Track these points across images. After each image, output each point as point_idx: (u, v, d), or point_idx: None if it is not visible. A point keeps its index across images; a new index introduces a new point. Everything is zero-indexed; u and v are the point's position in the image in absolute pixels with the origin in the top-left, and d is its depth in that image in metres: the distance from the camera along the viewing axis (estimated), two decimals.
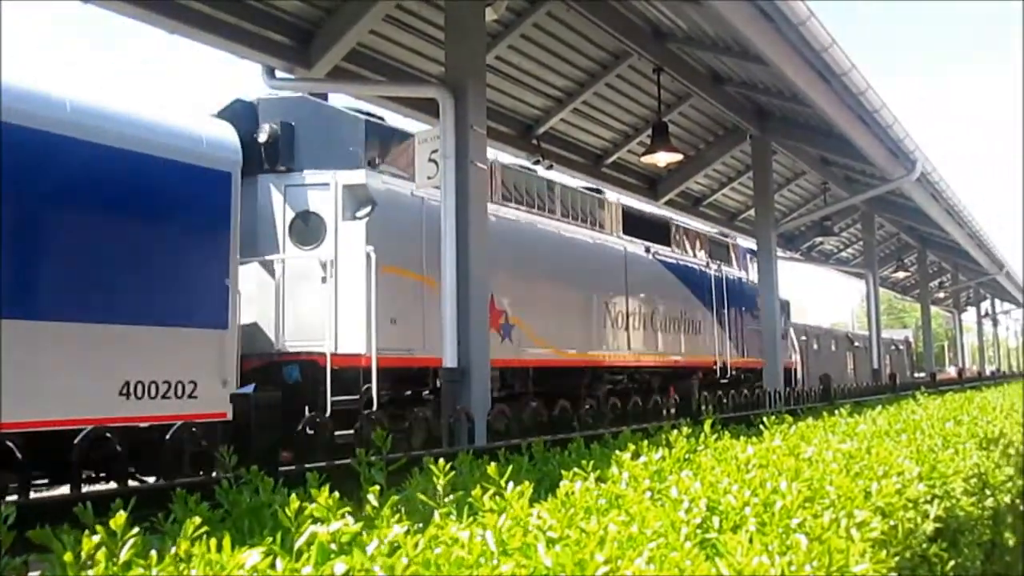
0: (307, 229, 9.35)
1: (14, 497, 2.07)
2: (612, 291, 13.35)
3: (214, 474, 2.08)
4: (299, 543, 1.38)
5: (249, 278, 8.87)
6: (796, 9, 7.42)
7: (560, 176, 13.10)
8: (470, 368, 7.06)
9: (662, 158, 11.56)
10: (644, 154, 11.77)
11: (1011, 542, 4.17)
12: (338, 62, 8.84)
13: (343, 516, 1.48)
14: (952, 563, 2.95)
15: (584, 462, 2.27)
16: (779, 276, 17.96)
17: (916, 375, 31.92)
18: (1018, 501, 4.51)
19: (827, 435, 3.57)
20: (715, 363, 16.06)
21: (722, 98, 12.12)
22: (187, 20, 7.64)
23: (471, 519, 1.68)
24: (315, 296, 9.14)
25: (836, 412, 4.67)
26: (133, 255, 7.18)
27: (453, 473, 1.87)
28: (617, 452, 2.47)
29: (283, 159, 9.42)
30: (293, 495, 1.43)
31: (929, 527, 2.73)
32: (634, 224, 14.42)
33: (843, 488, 2.25)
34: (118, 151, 7.13)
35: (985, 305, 38.29)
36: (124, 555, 1.20)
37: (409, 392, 9.63)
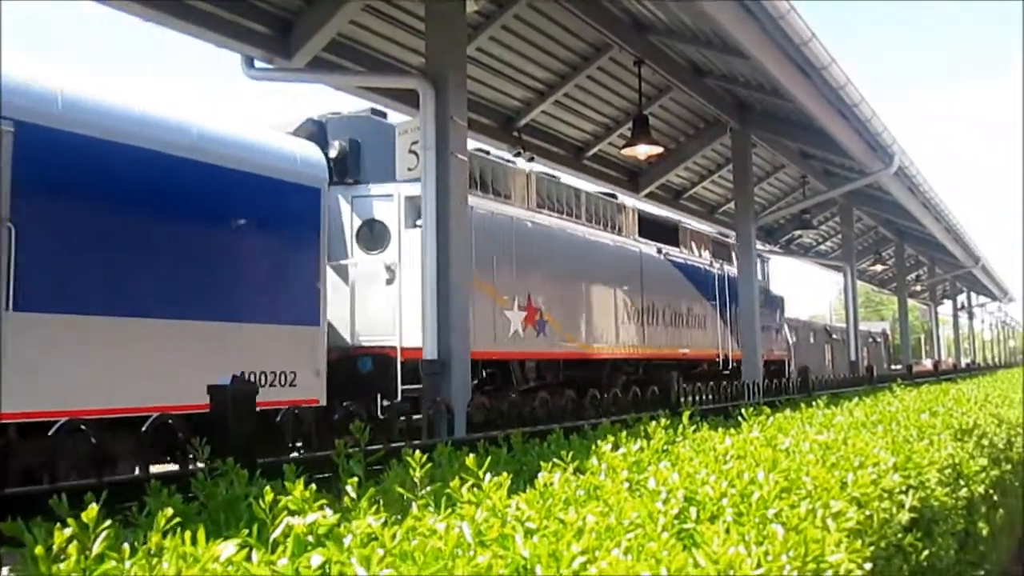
0: (372, 236, 10.35)
1: None
2: (630, 289, 14.38)
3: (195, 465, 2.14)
4: (274, 535, 1.37)
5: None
6: (776, 3, 7.45)
7: (583, 184, 14.14)
8: (450, 360, 7.05)
9: (643, 151, 11.58)
10: (625, 147, 11.79)
11: (985, 532, 4.22)
12: (318, 52, 8.78)
13: (320, 508, 1.47)
14: (926, 552, 2.98)
15: (563, 453, 2.27)
16: (772, 272, 19.70)
17: (893, 367, 32.23)
18: (992, 491, 4.57)
19: (804, 426, 3.59)
20: (718, 355, 16.98)
21: (702, 91, 12.15)
22: (163, 8, 7.56)
23: (449, 511, 1.68)
24: (381, 296, 10.17)
25: (814, 404, 4.70)
26: (248, 263, 8.22)
27: (430, 465, 1.86)
28: (596, 443, 2.47)
29: (351, 173, 10.34)
30: (267, 487, 1.42)
31: (904, 517, 2.75)
32: (648, 227, 15.45)
33: (819, 479, 2.26)
34: (236, 172, 8.11)
35: (961, 298, 38.71)
36: (96, 548, 1.19)
37: None
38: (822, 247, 24.99)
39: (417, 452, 1.76)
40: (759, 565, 1.53)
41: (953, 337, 39.26)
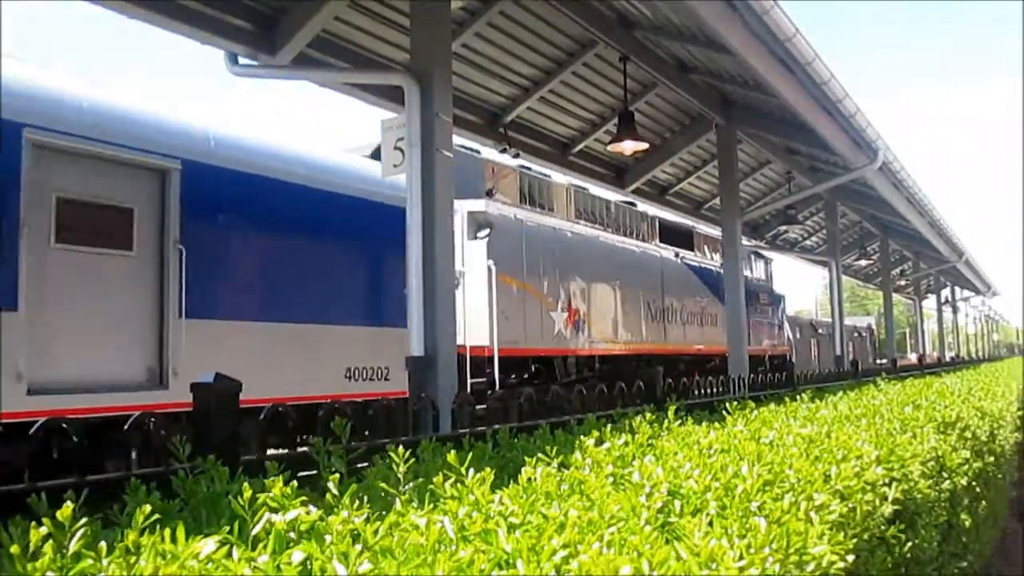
0: None
1: None
2: (652, 291, 15.96)
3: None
4: (255, 531, 1.36)
5: None
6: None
7: (608, 194, 15.39)
8: (437, 356, 7.04)
9: (628, 146, 11.59)
10: (611, 142, 11.79)
11: (967, 524, 4.25)
12: (303, 49, 8.73)
13: (301, 504, 1.46)
14: (909, 544, 3.00)
15: (548, 448, 2.27)
16: (775, 271, 22.06)
17: (878, 361, 32.43)
18: (975, 483, 4.60)
19: (789, 420, 3.61)
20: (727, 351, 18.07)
21: (688, 87, 12.17)
22: (145, 4, 7.50)
23: (432, 506, 1.67)
24: None
25: (798, 398, 4.72)
26: (358, 274, 9.65)
27: (413, 460, 1.85)
28: (581, 438, 2.47)
29: None
30: (246, 483, 1.41)
31: (887, 509, 2.77)
32: (667, 233, 17.12)
33: (803, 472, 2.27)
34: (348, 197, 9.46)
35: (945, 292, 38.98)
36: (73, 547, 1.18)
37: (514, 375, 12.11)
38: (808, 242, 25.10)
39: (400, 448, 1.76)
40: (741, 557, 1.54)
41: (938, 331, 39.52)
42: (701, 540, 1.47)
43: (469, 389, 10.19)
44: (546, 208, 13.37)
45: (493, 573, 1.28)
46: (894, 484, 2.94)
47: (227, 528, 1.41)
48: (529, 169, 13.29)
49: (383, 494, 1.79)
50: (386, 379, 9.54)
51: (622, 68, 11.14)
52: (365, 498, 1.66)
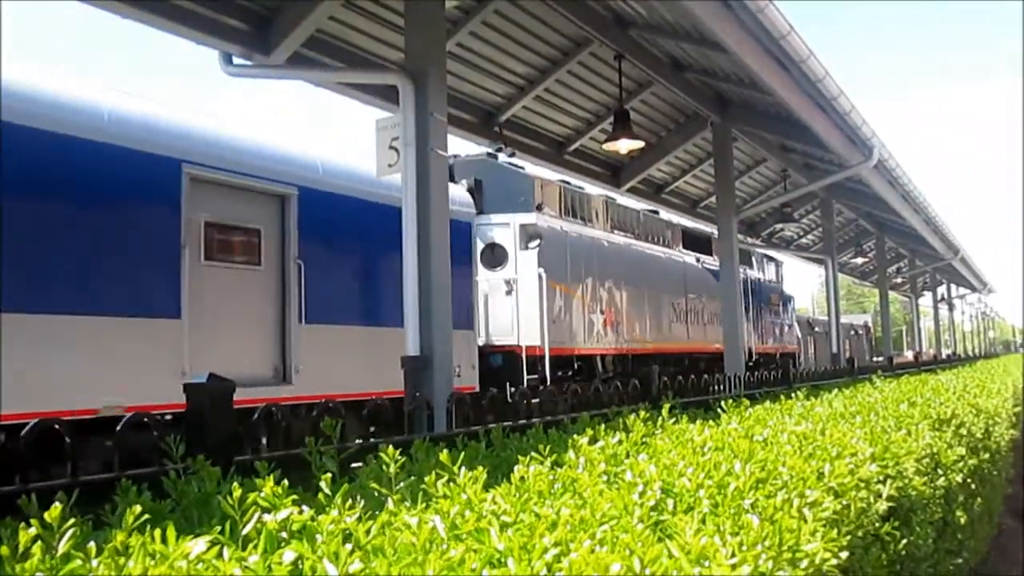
0: (494, 256, 12.78)
1: None
2: (676, 294, 17.19)
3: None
4: (245, 531, 1.36)
5: None
6: None
7: (633, 203, 16.67)
8: (433, 356, 7.03)
9: (624, 145, 11.59)
10: (606, 141, 11.79)
11: (963, 520, 4.26)
12: (297, 48, 8.72)
13: (293, 504, 1.46)
14: (904, 541, 3.00)
15: (541, 447, 2.27)
16: (785, 273, 23.51)
17: (875, 359, 32.46)
18: (970, 480, 4.61)
19: (784, 418, 3.61)
20: (744, 349, 19.43)
21: (683, 85, 12.16)
22: (139, 4, 7.48)
23: (424, 505, 1.67)
24: (504, 305, 12.67)
25: (794, 395, 4.72)
26: None
27: (405, 459, 1.85)
28: (574, 437, 2.47)
29: (475, 205, 12.32)
30: (235, 483, 1.41)
31: (882, 506, 2.77)
32: (688, 240, 18.30)
33: (796, 469, 2.27)
34: None
35: (941, 290, 39.02)
36: (62, 548, 1.17)
37: (559, 371, 13.01)
38: (803, 240, 25.12)
39: (391, 447, 1.75)
40: (734, 555, 1.54)
41: (934, 328, 39.57)
42: (693, 538, 1.47)
43: (525, 384, 11.42)
44: (585, 220, 14.65)
45: (484, 572, 1.27)
46: (889, 481, 2.94)
47: (218, 528, 1.41)
48: (569, 183, 14.46)
49: (376, 494, 1.79)
50: (458, 376, 10.52)
51: (617, 66, 11.13)
52: (358, 498, 1.66)
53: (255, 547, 1.32)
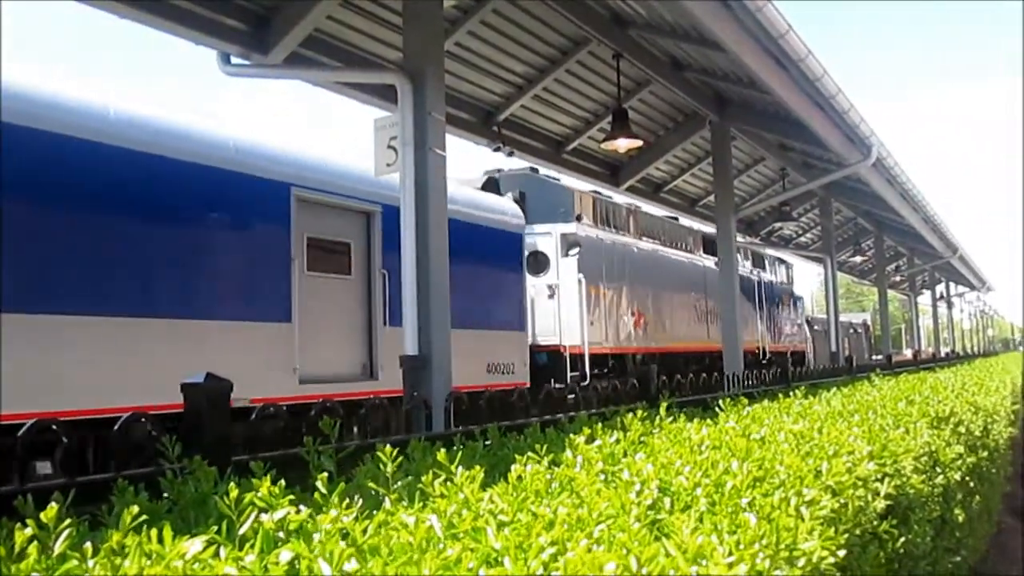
0: (537, 263, 13.81)
1: None
2: (697, 296, 18.34)
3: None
4: (242, 531, 1.36)
5: None
6: None
7: (655, 210, 17.68)
8: (431, 356, 7.03)
9: (622, 144, 11.58)
10: (605, 140, 11.78)
11: (961, 518, 4.26)
12: (295, 48, 8.71)
13: (290, 503, 1.46)
14: (903, 540, 3.00)
15: (538, 446, 2.27)
16: (795, 274, 25.19)
17: (874, 357, 32.46)
18: (968, 478, 4.61)
19: (782, 416, 3.61)
20: (758, 348, 21.03)
21: (681, 84, 12.16)
22: (137, 5, 7.48)
23: (421, 504, 1.67)
24: (547, 308, 13.78)
25: (792, 394, 4.72)
26: (494, 288, 12.11)
27: (402, 459, 1.85)
28: (571, 436, 2.47)
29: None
30: (232, 483, 1.41)
31: (880, 505, 2.77)
32: (708, 244, 18.98)
33: (793, 467, 2.27)
34: (486, 229, 11.99)
35: (940, 288, 39.03)
36: (58, 548, 1.17)
37: (595, 369, 14.01)
38: (802, 239, 25.12)
39: (388, 447, 1.76)
40: (731, 554, 1.54)
41: (933, 327, 39.57)
42: (689, 537, 1.47)
43: (568, 380, 12.66)
44: (616, 228, 15.86)
45: (480, 571, 1.28)
46: (886, 479, 2.94)
47: (215, 528, 1.41)
48: (600, 194, 15.52)
49: (373, 493, 1.79)
50: (512, 373, 12.04)
51: (616, 66, 11.13)
52: (355, 497, 1.66)
53: (252, 547, 1.32)
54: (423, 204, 7.14)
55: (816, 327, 29.07)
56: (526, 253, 13.14)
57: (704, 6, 7.65)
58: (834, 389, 5.78)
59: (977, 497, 4.96)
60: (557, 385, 12.77)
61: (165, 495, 1.72)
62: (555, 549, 1.32)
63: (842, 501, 2.36)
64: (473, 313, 11.23)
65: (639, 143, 11.97)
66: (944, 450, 4.09)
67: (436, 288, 7.16)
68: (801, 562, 1.79)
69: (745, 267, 21.30)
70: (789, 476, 2.19)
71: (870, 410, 4.15)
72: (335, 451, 1.93)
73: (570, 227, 14.26)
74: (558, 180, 14.70)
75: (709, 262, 18.95)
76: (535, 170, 14.30)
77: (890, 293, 32.94)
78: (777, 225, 21.14)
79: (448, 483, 1.73)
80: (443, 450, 1.86)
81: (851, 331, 35.82)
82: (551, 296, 13.86)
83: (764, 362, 19.97)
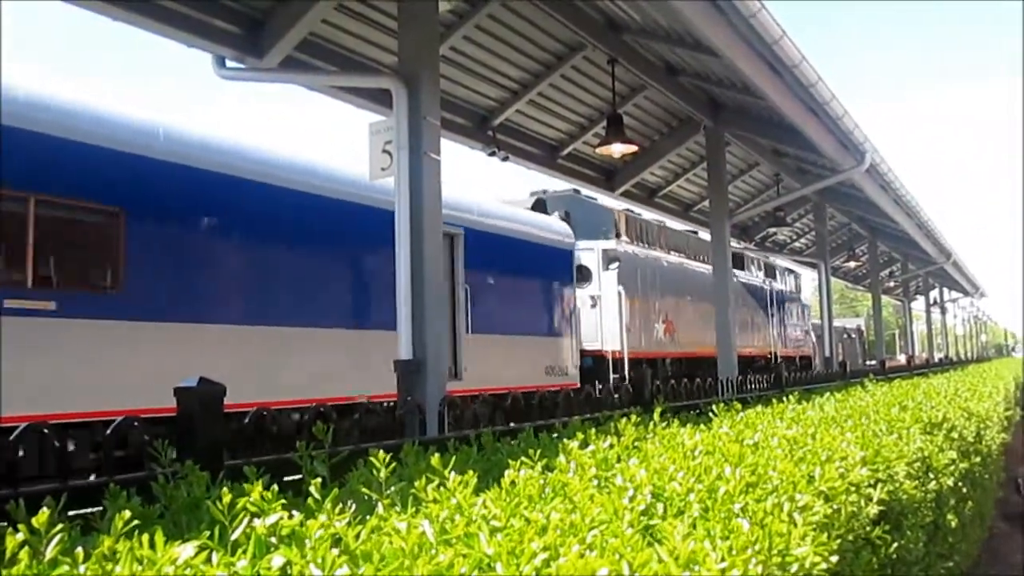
0: (580, 276, 15.23)
1: None
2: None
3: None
4: (235, 536, 1.35)
5: None
6: (747, 2, 7.48)
7: (679, 224, 19.08)
8: (426, 360, 7.01)
9: (617, 149, 11.60)
10: (599, 145, 11.80)
11: (954, 524, 4.27)
12: (290, 52, 8.71)
13: (282, 508, 1.46)
14: (895, 545, 3.01)
15: (532, 451, 2.27)
16: (805, 284, 26.93)
17: (868, 363, 32.51)
18: (961, 484, 4.62)
19: (775, 422, 3.62)
20: (770, 353, 22.87)
21: (676, 89, 12.19)
22: (131, 7, 7.46)
23: (414, 510, 1.67)
24: (590, 316, 15.41)
25: (786, 399, 4.73)
26: (552, 299, 13.98)
27: (395, 464, 1.85)
28: (565, 441, 2.47)
29: None
30: (225, 488, 1.41)
31: (872, 510, 2.78)
32: None
33: (786, 473, 2.28)
34: (544, 247, 13.96)
35: (934, 294, 39.12)
36: (49, 553, 1.17)
37: (631, 372, 15.23)
38: (796, 244, 25.17)
39: (380, 452, 1.75)
40: (723, 559, 1.54)
41: (926, 332, 39.65)
42: (682, 542, 1.47)
43: (611, 382, 14.02)
44: (648, 243, 17.66)
45: None
46: (879, 485, 2.95)
47: (207, 533, 1.40)
48: (632, 211, 17.24)
49: (366, 498, 1.79)
50: (564, 374, 13.69)
51: (610, 71, 11.15)
52: (348, 502, 1.66)
53: (244, 552, 1.32)
54: (417, 208, 7.14)
55: (819, 334, 29.34)
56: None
57: (698, 11, 7.66)
58: (827, 394, 5.79)
59: (970, 503, 4.97)
60: (599, 385, 13.99)
61: (157, 500, 1.71)
62: (547, 555, 1.32)
63: (835, 507, 2.37)
64: (535, 322, 13.32)
65: (634, 148, 11.99)
66: (937, 456, 4.10)
67: (430, 292, 7.16)
68: (794, 568, 1.79)
69: (757, 277, 23.15)
70: (782, 482, 2.19)
71: (863, 416, 4.16)
72: (328, 456, 1.92)
73: (610, 243, 16.09)
74: (595, 200, 16.35)
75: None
76: (577, 191, 15.82)
77: (884, 299, 33.02)
78: (771, 230, 21.18)
79: (441, 488, 1.73)
80: (436, 455, 1.86)
81: (845, 336, 35.91)
82: (593, 306, 15.53)
83: (774, 366, 21.05)
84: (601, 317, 15.41)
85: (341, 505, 1.54)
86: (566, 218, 15.35)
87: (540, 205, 15.71)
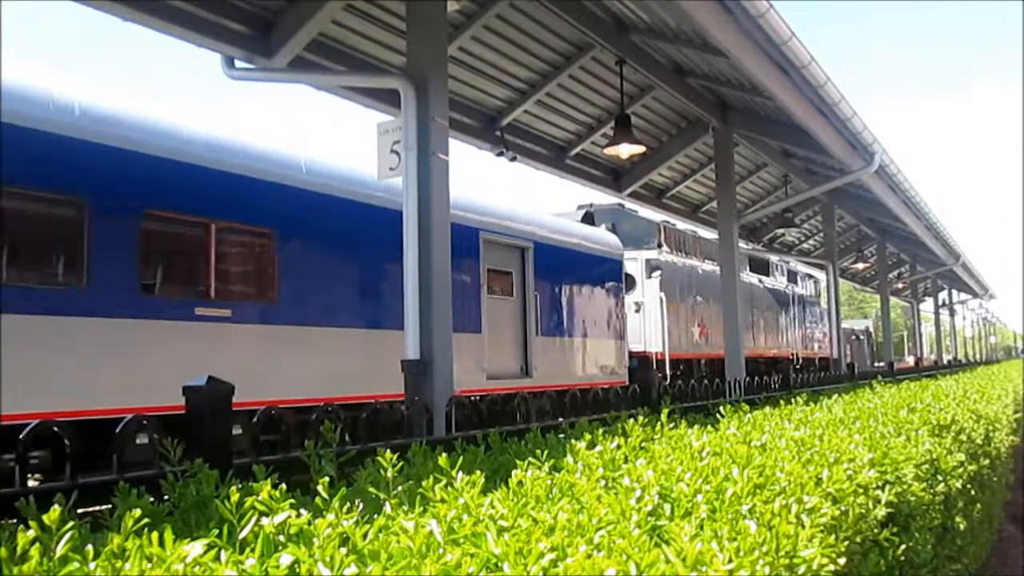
0: (626, 283, 16.38)
1: None
2: (746, 310, 20.17)
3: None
4: (243, 534, 1.36)
5: None
6: (755, 2, 7.47)
7: (711, 234, 19.18)
8: (433, 360, 7.02)
9: (625, 150, 11.59)
10: (607, 146, 11.79)
11: (962, 526, 4.25)
12: (299, 52, 8.74)
13: (290, 507, 1.46)
14: (903, 547, 3.00)
15: (539, 452, 2.27)
16: (822, 288, 26.98)
17: (876, 364, 32.41)
18: (969, 486, 4.61)
19: (782, 423, 3.61)
20: (792, 355, 24.36)
21: (684, 90, 12.17)
22: (142, 8, 7.49)
23: (422, 509, 1.67)
24: (635, 321, 16.87)
25: (794, 401, 4.72)
26: (603, 304, 15.20)
27: (403, 463, 1.85)
28: (572, 442, 2.47)
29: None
30: (234, 487, 1.41)
31: (880, 512, 2.77)
32: (753, 264, 22.78)
33: (794, 474, 2.27)
34: (596, 257, 15.23)
35: (942, 295, 38.99)
36: (60, 550, 1.18)
37: (671, 372, 17.13)
38: (804, 245, 25.11)
39: (388, 451, 1.76)
40: (730, 560, 1.54)
41: (935, 334, 39.52)
42: (689, 543, 1.47)
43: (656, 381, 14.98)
44: (685, 253, 19.14)
45: None
46: (887, 487, 2.94)
47: (215, 531, 1.41)
48: (669, 222, 18.55)
49: (374, 497, 1.79)
50: (614, 374, 14.96)
51: (618, 71, 11.14)
52: (355, 501, 1.66)
53: (252, 550, 1.32)
54: (426, 209, 7.15)
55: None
56: None
57: (707, 12, 7.66)
58: (835, 396, 5.77)
59: (978, 505, 4.95)
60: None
61: (166, 498, 1.72)
62: (555, 555, 1.33)
63: (843, 508, 2.36)
64: (592, 325, 14.63)
65: (642, 149, 11.98)
66: (945, 458, 4.08)
67: (438, 292, 7.16)
68: (801, 569, 1.79)
69: (780, 282, 24.58)
70: (790, 483, 2.18)
71: (871, 417, 4.15)
72: (336, 455, 1.93)
73: (653, 253, 17.69)
74: (637, 212, 17.95)
75: (753, 279, 22.44)
76: (621, 205, 17.13)
77: (892, 300, 32.90)
78: (779, 231, 21.14)
79: (448, 488, 1.73)
80: (444, 455, 1.86)
81: (853, 338, 35.82)
82: (637, 311, 17.05)
83: (797, 367, 23.05)
84: (644, 321, 16.94)
85: (349, 504, 1.54)
86: (612, 229, 16.45)
87: (588, 218, 16.72)
